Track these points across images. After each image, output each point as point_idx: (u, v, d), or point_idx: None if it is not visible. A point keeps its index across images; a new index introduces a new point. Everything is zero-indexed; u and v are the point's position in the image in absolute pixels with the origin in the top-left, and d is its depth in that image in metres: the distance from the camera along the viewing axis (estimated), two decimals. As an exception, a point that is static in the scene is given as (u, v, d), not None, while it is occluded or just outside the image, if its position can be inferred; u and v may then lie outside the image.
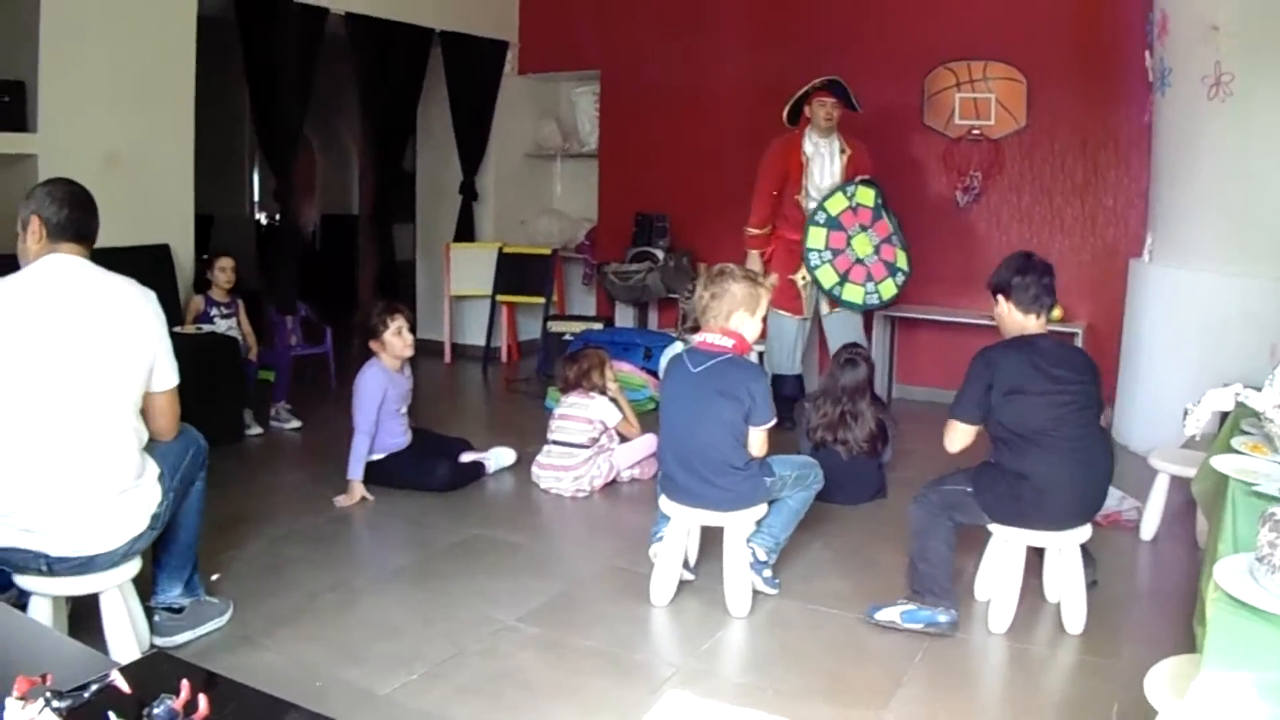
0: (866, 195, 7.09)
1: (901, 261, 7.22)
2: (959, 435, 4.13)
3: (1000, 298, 4.15)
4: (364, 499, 5.61)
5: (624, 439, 6.11)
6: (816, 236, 7.00)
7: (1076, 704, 3.63)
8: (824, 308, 7.26)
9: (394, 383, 5.77)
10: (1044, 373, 3.97)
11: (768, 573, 4.45)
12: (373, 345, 5.80)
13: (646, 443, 6.04)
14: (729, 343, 4.31)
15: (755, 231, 7.24)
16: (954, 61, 8.05)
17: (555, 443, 5.97)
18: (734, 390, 4.22)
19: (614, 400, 6.13)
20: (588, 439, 5.92)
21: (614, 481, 6.02)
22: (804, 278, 7.11)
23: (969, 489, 4.11)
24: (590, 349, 6.33)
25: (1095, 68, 7.58)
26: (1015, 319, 4.12)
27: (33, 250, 3.38)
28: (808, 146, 7.06)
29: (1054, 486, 3.97)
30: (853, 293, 7.13)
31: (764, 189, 7.16)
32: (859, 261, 7.08)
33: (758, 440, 4.32)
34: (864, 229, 7.07)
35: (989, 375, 4.00)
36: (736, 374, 4.27)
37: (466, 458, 6.10)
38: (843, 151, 7.10)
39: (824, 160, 7.07)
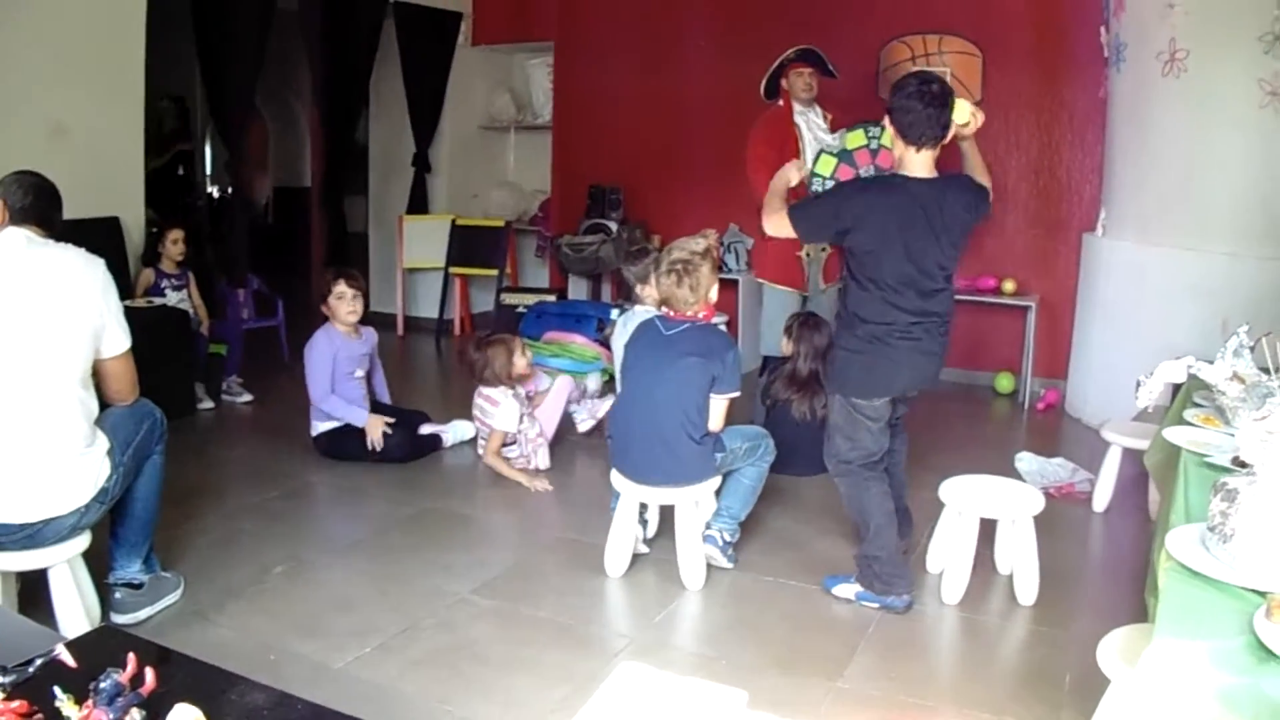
0: (890, 139, 6.79)
1: None
2: (778, 222, 4.08)
3: (887, 119, 3.98)
4: (385, 424, 5.70)
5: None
6: (826, 164, 6.63)
7: (1029, 674, 3.66)
8: (820, 283, 7.19)
9: (344, 346, 5.73)
10: (907, 216, 3.86)
11: (731, 550, 4.47)
12: (325, 309, 5.80)
13: (560, 390, 6.07)
14: (702, 312, 4.35)
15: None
16: (909, 35, 8.06)
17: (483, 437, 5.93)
18: (706, 352, 4.24)
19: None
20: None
21: (560, 440, 6.02)
22: (808, 254, 7.02)
23: (834, 393, 4.13)
24: (496, 337, 6.05)
25: (1051, 42, 7.60)
26: (899, 148, 3.96)
27: None
28: (798, 120, 6.92)
29: (901, 335, 3.95)
30: None
31: (757, 161, 6.76)
32: None
33: (719, 411, 4.34)
34: (877, 170, 6.70)
35: (843, 214, 3.93)
36: (709, 339, 4.32)
37: (425, 430, 6.07)
38: (826, 117, 6.99)
39: (814, 130, 6.96)
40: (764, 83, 6.93)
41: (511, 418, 5.74)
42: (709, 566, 4.36)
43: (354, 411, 5.68)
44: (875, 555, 4.08)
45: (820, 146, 6.75)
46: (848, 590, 4.16)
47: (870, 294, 3.93)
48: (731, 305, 8.19)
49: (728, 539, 4.46)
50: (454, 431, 6.18)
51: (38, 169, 3.63)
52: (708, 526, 4.44)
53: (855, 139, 6.60)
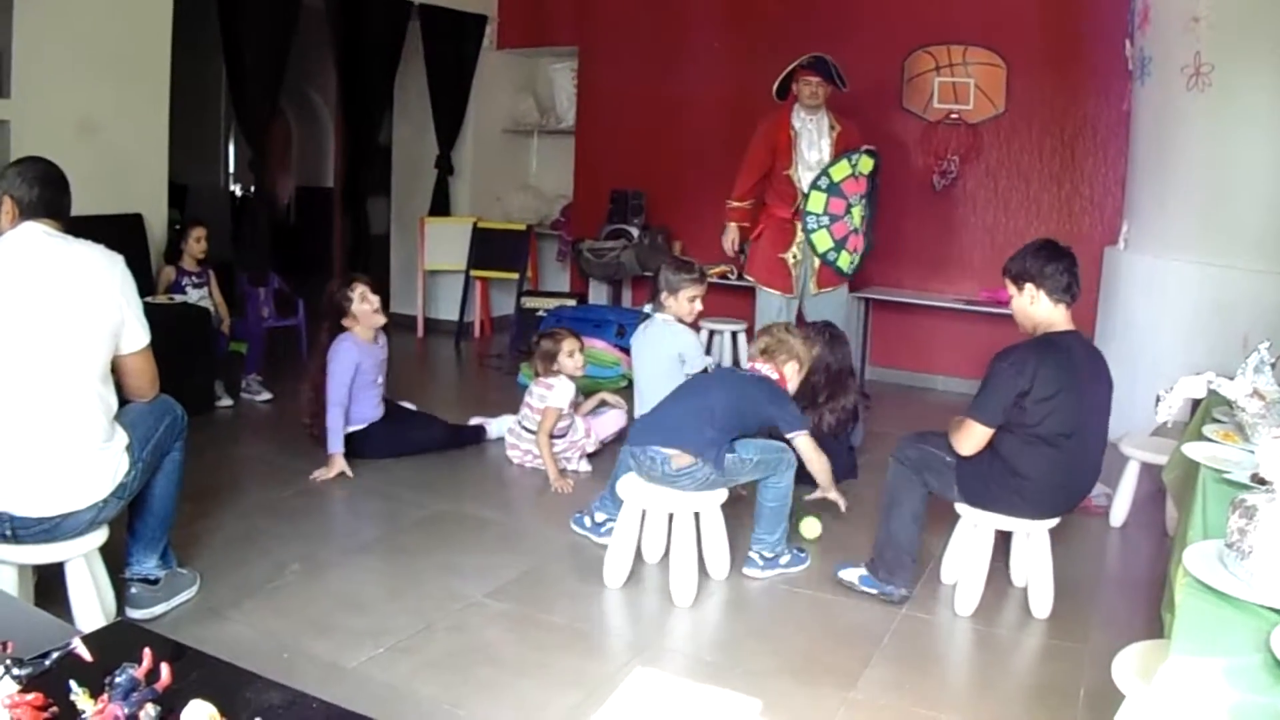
0: (867, 164, 7.01)
1: (869, 234, 7.22)
2: (976, 438, 3.98)
3: (1028, 286, 4.01)
4: (343, 474, 5.52)
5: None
6: (816, 201, 6.93)
7: (1043, 687, 3.64)
8: (811, 287, 7.20)
9: (368, 354, 5.69)
10: (1078, 379, 3.91)
11: (785, 559, 4.52)
12: (345, 322, 5.69)
13: (617, 416, 6.08)
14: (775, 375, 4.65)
15: (735, 204, 7.29)
16: (934, 45, 8.05)
17: (526, 429, 5.89)
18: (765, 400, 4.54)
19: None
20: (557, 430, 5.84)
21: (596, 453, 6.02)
22: (794, 256, 7.07)
23: (950, 459, 4.08)
24: (558, 330, 6.12)
25: (1075, 55, 7.58)
26: (1042, 309, 4.00)
27: (5, 229, 3.40)
28: (795, 122, 7.01)
29: (1044, 486, 3.96)
30: (845, 260, 7.08)
31: (749, 163, 7.16)
32: (854, 231, 7.03)
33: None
34: (862, 198, 7.01)
35: (1023, 384, 3.86)
36: (761, 393, 4.58)
37: (473, 421, 6.27)
38: (832, 128, 7.03)
39: (812, 136, 6.99)
40: (776, 85, 7.00)
41: (567, 395, 5.78)
42: (728, 572, 4.40)
43: (337, 438, 5.57)
44: (896, 552, 4.14)
45: (812, 158, 6.91)
46: (853, 574, 4.30)
47: (1029, 442, 3.96)
48: (748, 312, 8.16)
49: (768, 556, 4.48)
50: (498, 426, 6.25)
51: (64, 165, 3.62)
52: (747, 554, 4.50)
53: (840, 170, 6.94)
